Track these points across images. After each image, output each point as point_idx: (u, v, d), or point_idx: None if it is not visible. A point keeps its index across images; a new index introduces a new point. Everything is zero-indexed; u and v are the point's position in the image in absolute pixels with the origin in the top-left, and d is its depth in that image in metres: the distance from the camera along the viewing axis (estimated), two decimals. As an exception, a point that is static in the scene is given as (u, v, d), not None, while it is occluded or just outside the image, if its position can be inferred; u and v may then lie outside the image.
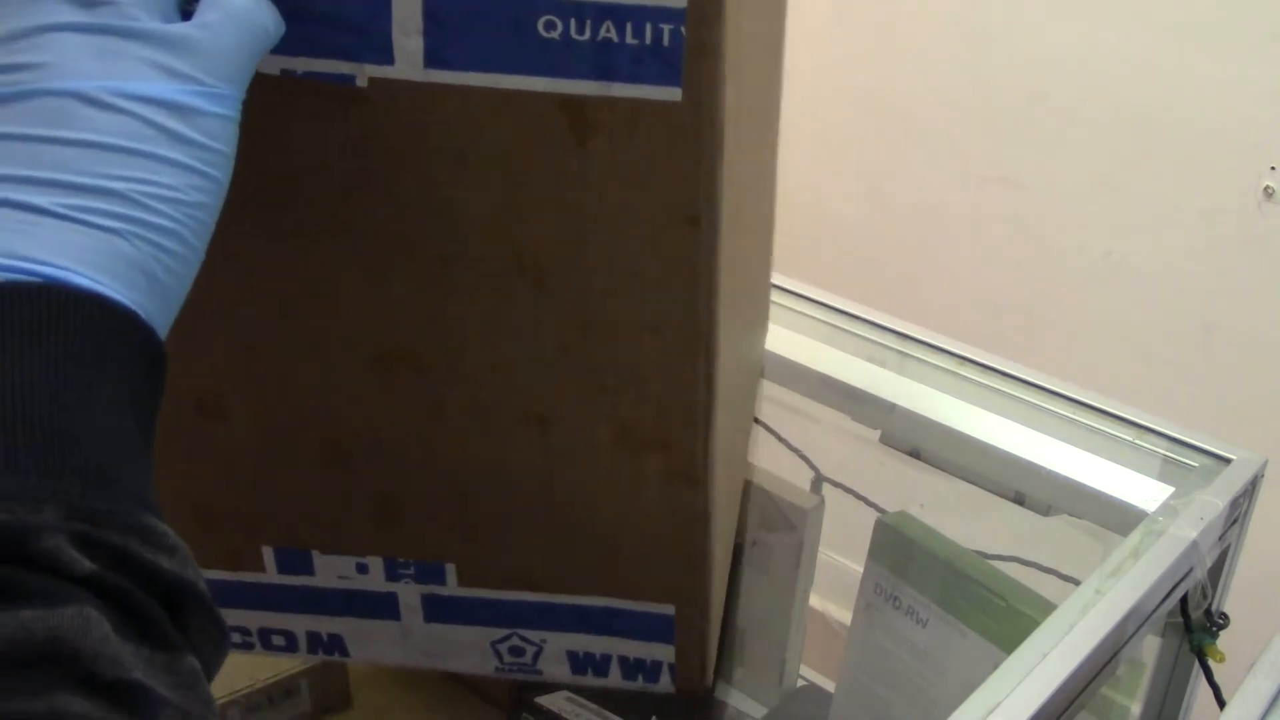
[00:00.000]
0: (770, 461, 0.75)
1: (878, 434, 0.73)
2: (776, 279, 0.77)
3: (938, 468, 0.73)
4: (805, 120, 1.58)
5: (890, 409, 0.70)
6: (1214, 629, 0.65)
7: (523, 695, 0.75)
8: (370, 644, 0.60)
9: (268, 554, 0.56)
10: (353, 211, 0.46)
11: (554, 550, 0.56)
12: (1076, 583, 0.57)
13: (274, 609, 0.59)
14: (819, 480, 0.81)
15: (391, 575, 0.57)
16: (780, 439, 0.78)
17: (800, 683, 0.93)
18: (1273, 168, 1.25)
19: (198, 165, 0.36)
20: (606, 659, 0.60)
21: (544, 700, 0.74)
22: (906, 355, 0.75)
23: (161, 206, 0.36)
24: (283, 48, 0.40)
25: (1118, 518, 0.64)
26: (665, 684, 0.61)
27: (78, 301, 0.34)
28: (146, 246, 0.35)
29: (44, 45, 0.35)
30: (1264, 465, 0.66)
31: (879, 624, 0.76)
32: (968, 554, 0.71)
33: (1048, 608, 0.64)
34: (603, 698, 0.75)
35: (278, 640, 0.60)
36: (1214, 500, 0.61)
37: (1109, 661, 0.54)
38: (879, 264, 1.60)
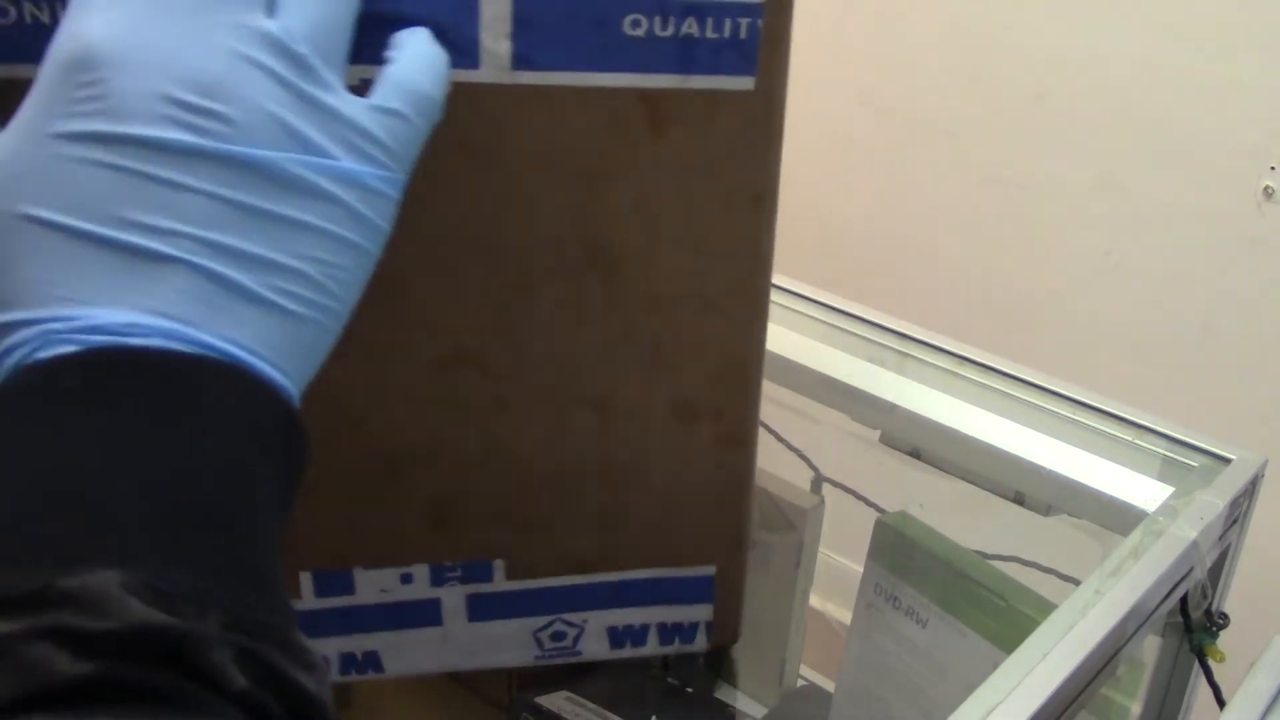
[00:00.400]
0: (770, 461, 0.75)
1: (878, 434, 0.73)
2: (777, 279, 0.77)
3: (938, 468, 0.73)
4: (806, 120, 1.58)
5: (890, 409, 0.70)
6: (1214, 629, 0.65)
7: (523, 695, 0.75)
8: (407, 655, 0.58)
9: (305, 580, 0.54)
10: (426, 214, 0.46)
11: (605, 529, 0.56)
12: (1076, 583, 0.57)
13: (308, 635, 0.57)
14: (819, 480, 0.81)
15: (437, 580, 0.55)
16: (780, 439, 0.78)
17: (800, 683, 0.93)
18: (1273, 168, 1.25)
19: (369, 247, 0.36)
20: (645, 628, 0.60)
21: (544, 700, 0.74)
22: (906, 355, 0.75)
23: (337, 290, 0.35)
24: (366, 55, 0.39)
25: (1118, 518, 0.64)
26: (701, 643, 0.61)
27: (262, 391, 0.32)
28: (317, 331, 0.34)
29: (242, 95, 0.32)
30: (1264, 465, 0.66)
31: (879, 624, 0.76)
32: (968, 554, 0.71)
33: (1048, 608, 0.64)
34: (602, 698, 0.75)
35: None
36: (1214, 500, 0.61)
37: (1109, 661, 0.54)
38: (879, 264, 1.60)
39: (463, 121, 0.43)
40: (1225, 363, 1.34)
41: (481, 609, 0.57)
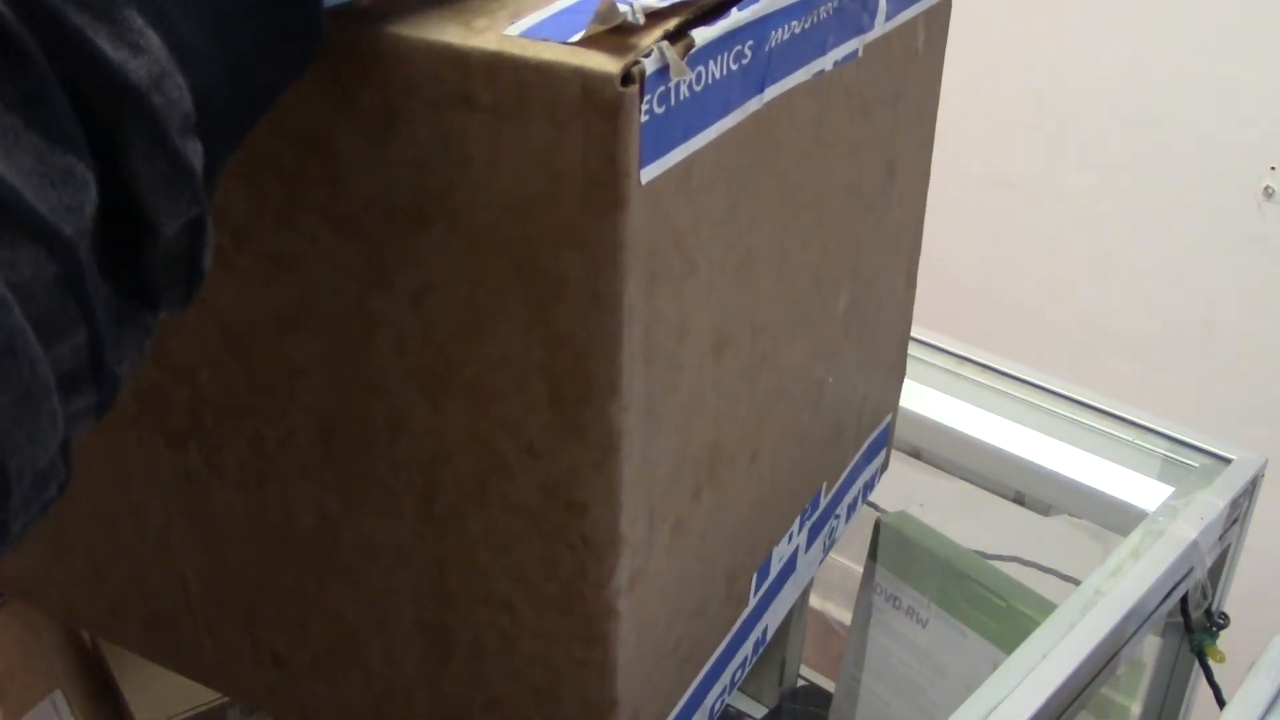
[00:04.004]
0: (770, 461, 0.75)
1: (878, 434, 0.73)
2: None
3: (938, 468, 0.73)
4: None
5: (890, 409, 0.70)
6: (1214, 629, 0.65)
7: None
8: None
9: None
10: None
11: None
12: (1076, 583, 0.57)
13: None
14: (819, 480, 0.81)
15: None
16: (780, 439, 0.78)
17: (800, 683, 0.93)
18: (1273, 168, 1.25)
19: None
20: None
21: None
22: (907, 355, 0.75)
23: None
24: (812, 53, 0.39)
25: (1118, 518, 0.64)
26: None
27: None
28: None
29: None
30: (1264, 465, 0.66)
31: (879, 624, 0.76)
32: (968, 554, 0.71)
33: (1048, 608, 0.64)
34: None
35: None
36: (1214, 500, 0.61)
37: (1109, 661, 0.54)
38: (879, 264, 1.59)
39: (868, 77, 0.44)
40: (1225, 363, 1.34)
41: None
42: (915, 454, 0.73)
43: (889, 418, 0.63)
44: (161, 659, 0.53)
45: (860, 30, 0.43)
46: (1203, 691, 0.67)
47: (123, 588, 0.51)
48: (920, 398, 0.72)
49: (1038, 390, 0.71)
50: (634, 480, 0.37)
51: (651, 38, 0.31)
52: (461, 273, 0.35)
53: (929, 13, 0.50)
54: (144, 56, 0.24)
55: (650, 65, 0.30)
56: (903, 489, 0.81)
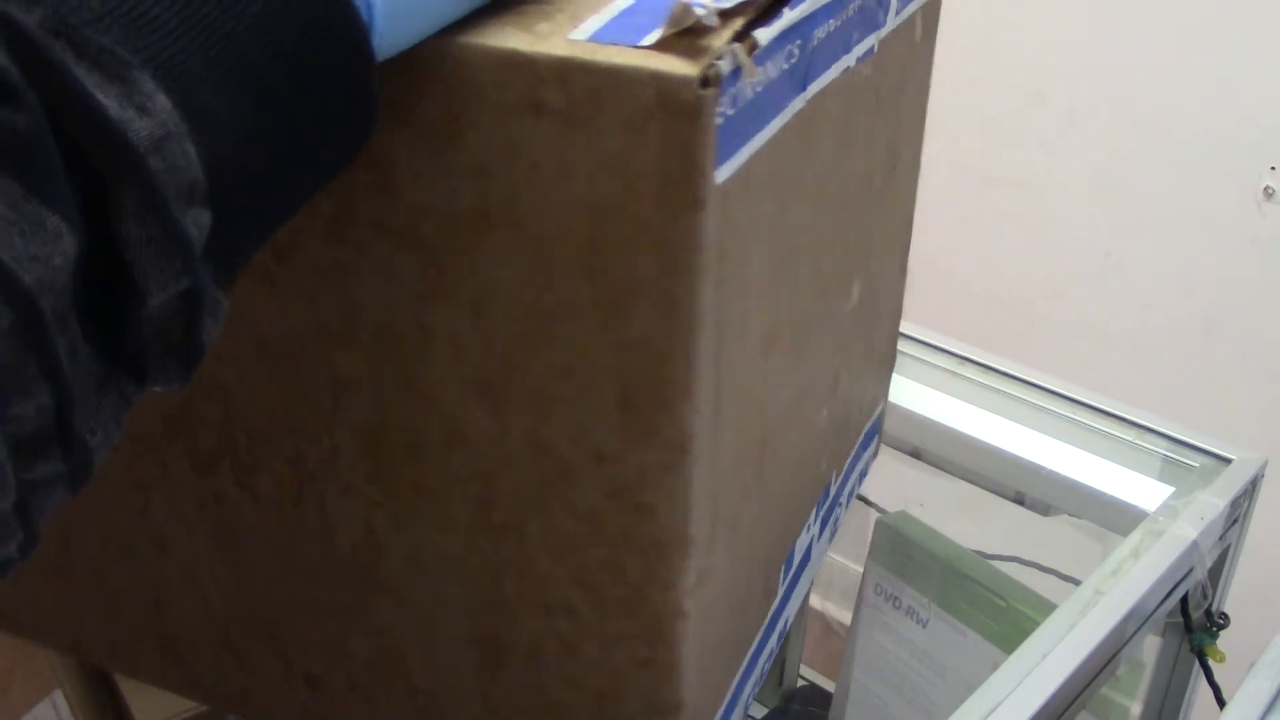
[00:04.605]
0: (770, 461, 0.75)
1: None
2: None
3: (938, 468, 0.73)
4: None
5: (890, 409, 0.70)
6: (1214, 629, 0.65)
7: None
8: None
9: None
10: None
11: None
12: (1076, 583, 0.57)
13: None
14: (819, 480, 0.81)
15: None
16: (780, 439, 0.78)
17: (800, 683, 0.93)
18: (1273, 168, 1.25)
19: None
20: None
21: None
22: (906, 355, 0.75)
23: None
24: (842, 50, 0.39)
25: (1118, 518, 0.64)
26: None
27: None
28: None
29: None
30: (1264, 465, 0.66)
31: (879, 624, 0.76)
32: (968, 554, 0.71)
33: (1048, 608, 0.64)
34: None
35: None
36: (1214, 500, 0.61)
37: (1109, 661, 0.54)
38: (879, 264, 1.60)
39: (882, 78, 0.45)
40: (1225, 363, 1.34)
41: None
42: (915, 454, 0.73)
43: (881, 406, 0.64)
44: (180, 688, 0.52)
45: (876, 26, 0.43)
46: (1203, 691, 0.67)
47: (139, 616, 0.50)
48: (920, 398, 0.72)
49: (1038, 390, 0.71)
50: (701, 481, 0.37)
51: (720, 39, 0.31)
52: (526, 280, 0.35)
53: (925, 5, 0.51)
54: (148, 119, 0.24)
55: (725, 67, 0.30)
56: (903, 489, 0.81)
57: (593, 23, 0.32)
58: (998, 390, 0.72)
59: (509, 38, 0.32)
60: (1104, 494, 0.65)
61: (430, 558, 0.41)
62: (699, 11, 0.30)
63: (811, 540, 0.55)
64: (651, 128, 0.31)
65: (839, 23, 0.38)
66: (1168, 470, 0.66)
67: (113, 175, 0.23)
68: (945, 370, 0.74)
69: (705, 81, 0.30)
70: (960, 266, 1.50)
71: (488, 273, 0.35)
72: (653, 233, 0.32)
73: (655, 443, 0.36)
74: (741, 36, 0.31)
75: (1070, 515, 0.67)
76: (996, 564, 0.71)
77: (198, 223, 0.25)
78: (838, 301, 0.48)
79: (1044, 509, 0.68)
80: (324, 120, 0.28)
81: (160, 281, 0.25)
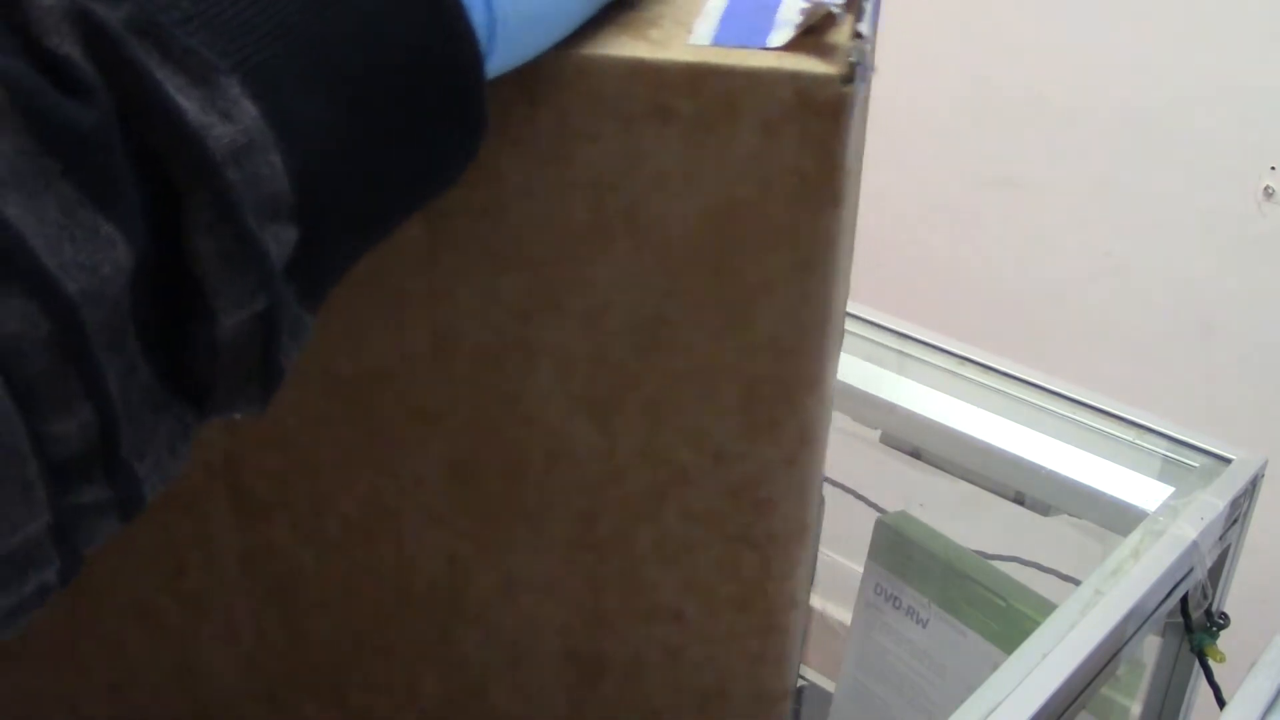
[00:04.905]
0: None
1: (878, 434, 0.73)
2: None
3: (938, 468, 0.73)
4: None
5: (890, 409, 0.70)
6: (1214, 629, 0.65)
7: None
8: None
9: None
10: None
11: None
12: (1076, 583, 0.57)
13: None
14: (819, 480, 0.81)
15: None
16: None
17: (800, 683, 0.93)
18: (1273, 168, 1.25)
19: None
20: None
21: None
22: (906, 355, 0.75)
23: None
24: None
25: (1118, 518, 0.64)
26: None
27: None
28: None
29: None
30: (1264, 465, 0.66)
31: (879, 624, 0.76)
32: (968, 554, 0.71)
33: (1048, 608, 0.64)
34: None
35: None
36: (1214, 500, 0.61)
37: (1109, 661, 0.54)
38: (878, 264, 1.60)
39: None
40: (1225, 363, 1.34)
41: None
42: (915, 454, 0.73)
43: None
44: None
45: None
46: (1203, 691, 0.67)
47: (162, 685, 0.47)
48: (920, 398, 0.72)
49: (1038, 390, 0.71)
50: (818, 470, 0.37)
51: (841, 34, 0.31)
52: (644, 288, 0.34)
53: None
54: (230, 126, 0.22)
55: (858, 63, 0.30)
56: (903, 489, 0.81)
57: (704, 27, 0.32)
58: (998, 390, 0.72)
59: (629, 46, 0.31)
60: (1104, 494, 0.65)
61: (523, 582, 0.40)
62: (834, 9, 0.30)
63: None
64: (789, 128, 0.31)
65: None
66: (1168, 470, 0.66)
67: (187, 184, 0.22)
68: (945, 370, 0.74)
69: (846, 79, 0.30)
70: (960, 266, 1.50)
71: (602, 285, 0.34)
72: (786, 231, 0.32)
73: (778, 438, 0.36)
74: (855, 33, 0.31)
75: (1070, 515, 0.67)
76: (996, 564, 0.71)
77: (279, 239, 0.24)
78: None
79: (1044, 509, 0.68)
80: (425, 139, 0.27)
81: (233, 299, 0.23)
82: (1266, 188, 1.26)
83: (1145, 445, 0.67)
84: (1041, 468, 0.66)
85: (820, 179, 0.31)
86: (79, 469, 0.22)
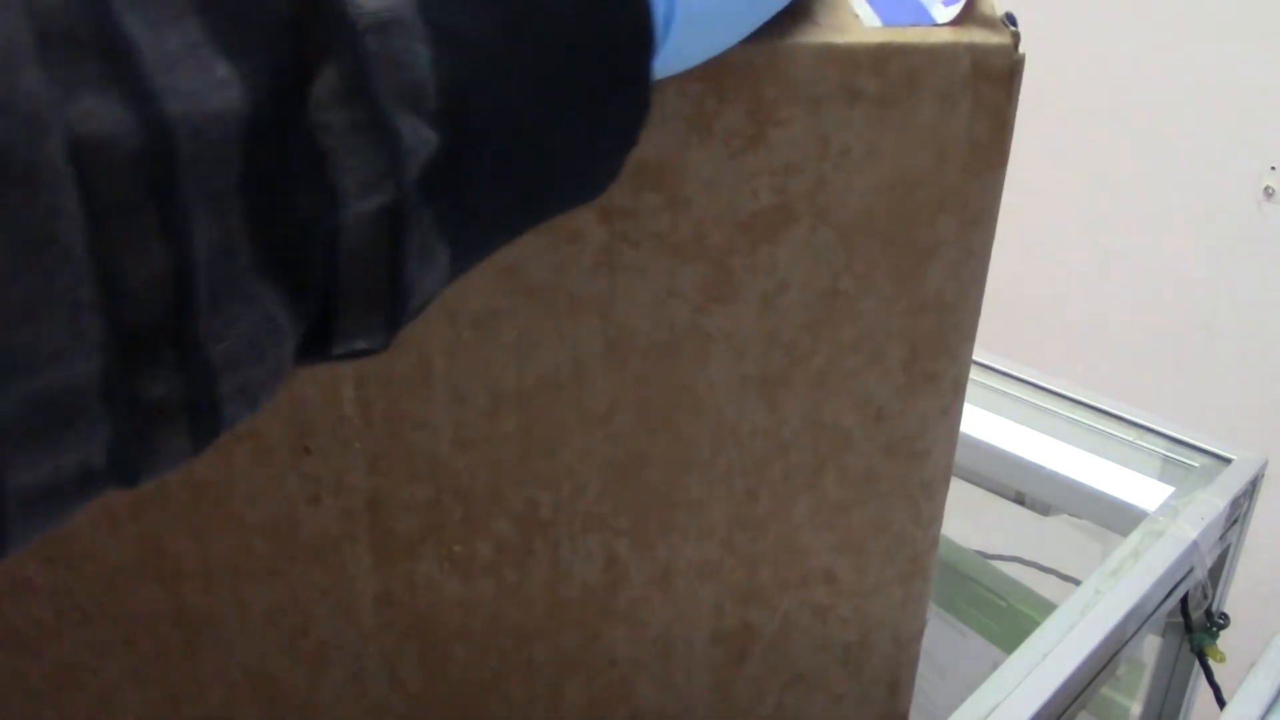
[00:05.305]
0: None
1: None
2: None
3: (938, 468, 0.72)
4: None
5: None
6: (1214, 629, 0.65)
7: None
8: None
9: None
10: None
11: None
12: (1076, 583, 0.57)
13: None
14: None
15: None
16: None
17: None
18: (1273, 168, 1.25)
19: None
20: None
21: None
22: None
23: None
24: None
25: (1118, 518, 0.64)
26: None
27: None
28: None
29: None
30: (1264, 465, 0.65)
31: (879, 624, 0.76)
32: (968, 554, 0.71)
33: (1048, 608, 0.64)
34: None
35: None
36: (1214, 500, 0.61)
37: (1109, 661, 0.54)
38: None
39: None
40: (1225, 363, 1.34)
41: None
42: (915, 454, 0.73)
43: None
44: None
45: None
46: (1203, 691, 0.67)
47: None
48: (920, 398, 0.72)
49: (1038, 390, 0.71)
50: (960, 414, 0.39)
51: (987, 6, 0.33)
52: (821, 265, 0.35)
53: None
54: (379, 1, 0.20)
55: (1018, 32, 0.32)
56: (903, 489, 0.81)
57: (867, 10, 0.33)
58: (998, 390, 0.72)
59: (814, 33, 0.32)
60: (1104, 494, 0.65)
61: (678, 571, 0.40)
62: None
63: None
64: (963, 97, 0.33)
65: None
66: (1168, 470, 0.66)
67: (322, 49, 0.20)
68: (945, 370, 0.74)
69: (1016, 46, 0.32)
70: (960, 266, 1.50)
71: (781, 267, 0.35)
72: (957, 195, 0.34)
73: (936, 390, 0.37)
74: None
75: (1070, 515, 0.67)
76: (996, 564, 0.71)
77: (417, 134, 0.21)
78: None
79: (1044, 509, 0.68)
80: (582, 102, 0.25)
81: (360, 178, 0.21)
82: (1266, 188, 1.26)
83: (1145, 445, 0.67)
84: (1041, 468, 0.66)
85: (991, 142, 0.34)
86: (145, 338, 0.19)
